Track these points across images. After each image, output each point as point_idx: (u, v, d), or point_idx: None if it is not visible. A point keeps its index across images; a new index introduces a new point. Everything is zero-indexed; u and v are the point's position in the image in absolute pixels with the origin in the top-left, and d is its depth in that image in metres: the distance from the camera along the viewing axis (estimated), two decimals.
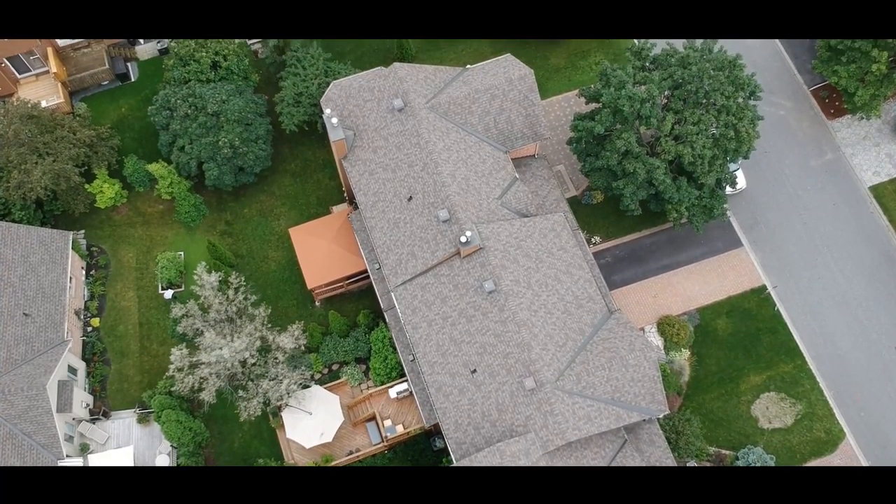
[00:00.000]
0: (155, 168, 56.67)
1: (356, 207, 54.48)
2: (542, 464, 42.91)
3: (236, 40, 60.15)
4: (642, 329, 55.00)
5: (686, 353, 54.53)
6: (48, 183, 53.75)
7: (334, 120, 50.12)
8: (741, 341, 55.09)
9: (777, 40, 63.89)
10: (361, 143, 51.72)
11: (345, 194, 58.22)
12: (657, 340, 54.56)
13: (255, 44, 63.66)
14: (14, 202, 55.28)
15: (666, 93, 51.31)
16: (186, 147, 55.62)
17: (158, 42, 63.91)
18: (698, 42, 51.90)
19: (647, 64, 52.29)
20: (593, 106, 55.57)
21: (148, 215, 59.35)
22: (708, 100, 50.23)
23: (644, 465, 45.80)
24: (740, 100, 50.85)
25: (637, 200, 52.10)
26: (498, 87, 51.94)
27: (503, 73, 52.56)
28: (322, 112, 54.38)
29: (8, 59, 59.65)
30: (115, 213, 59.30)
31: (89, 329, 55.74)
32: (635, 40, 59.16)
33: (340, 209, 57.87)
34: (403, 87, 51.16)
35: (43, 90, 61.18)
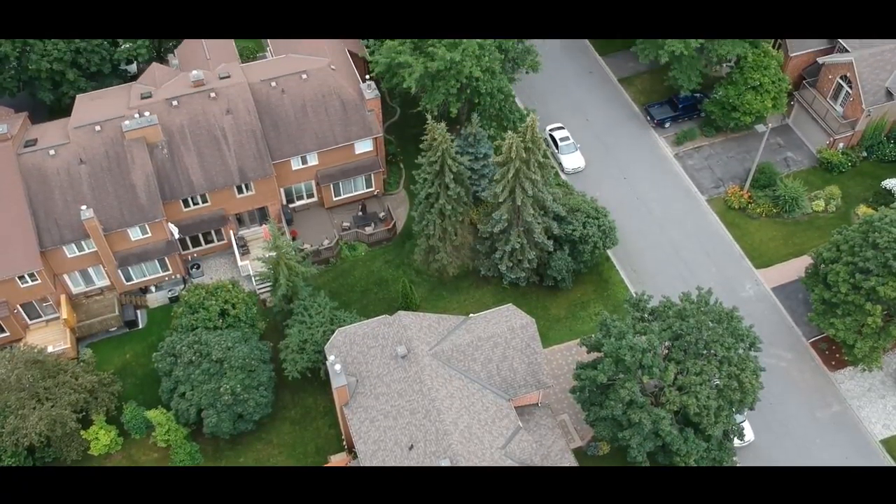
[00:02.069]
0: (154, 415, 55.95)
1: (355, 457, 53.11)
2: None
3: (245, 289, 61.78)
4: None
5: None
6: (43, 429, 52.81)
7: (337, 366, 50.39)
8: None
9: (773, 295, 65.66)
10: (364, 390, 51.54)
11: (344, 443, 57.04)
12: None
13: (263, 293, 65.53)
14: (5, 448, 53.97)
15: (666, 343, 51.90)
16: (188, 394, 55.34)
17: (169, 290, 65.83)
18: (693, 294, 53.34)
19: (646, 315, 53.41)
20: (595, 355, 56.00)
21: (141, 464, 57.66)
22: (709, 350, 50.65)
23: None
24: (741, 351, 51.27)
25: (644, 452, 50.88)
26: (500, 336, 52.70)
27: (505, 322, 53.56)
28: (326, 359, 54.79)
29: (21, 305, 61.17)
30: (108, 460, 57.64)
31: None
32: (633, 292, 60.88)
33: (338, 459, 56.35)
34: (407, 334, 51.93)
35: (51, 336, 61.97)
